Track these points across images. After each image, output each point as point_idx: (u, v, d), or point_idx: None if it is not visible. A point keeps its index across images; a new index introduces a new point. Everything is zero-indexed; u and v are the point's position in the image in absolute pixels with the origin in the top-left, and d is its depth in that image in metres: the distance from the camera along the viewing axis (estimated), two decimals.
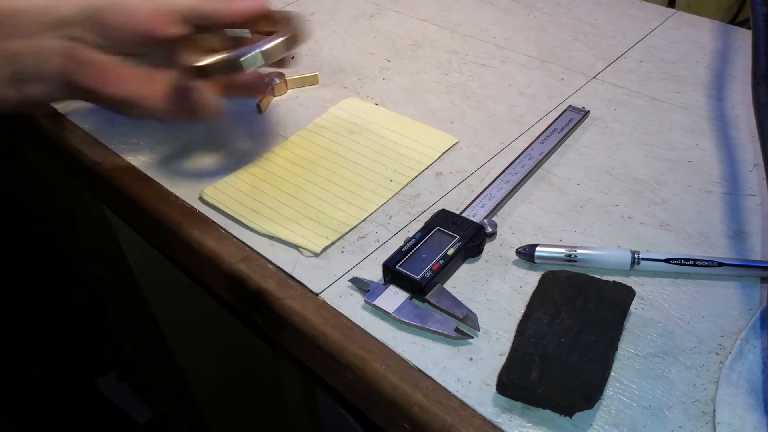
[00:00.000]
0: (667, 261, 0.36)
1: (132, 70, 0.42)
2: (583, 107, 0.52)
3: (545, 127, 0.50)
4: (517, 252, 0.39)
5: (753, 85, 0.38)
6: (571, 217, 0.43)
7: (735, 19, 0.71)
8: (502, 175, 0.45)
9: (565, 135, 0.49)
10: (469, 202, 0.44)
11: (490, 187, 0.45)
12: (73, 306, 0.87)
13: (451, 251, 0.38)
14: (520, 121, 0.52)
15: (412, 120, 0.52)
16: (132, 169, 0.49)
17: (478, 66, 0.59)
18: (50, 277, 0.92)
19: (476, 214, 0.42)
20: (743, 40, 0.59)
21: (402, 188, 0.46)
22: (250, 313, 0.42)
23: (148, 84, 0.42)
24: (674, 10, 0.66)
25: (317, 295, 0.38)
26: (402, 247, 0.39)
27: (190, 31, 0.42)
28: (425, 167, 0.47)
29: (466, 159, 0.48)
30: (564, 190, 0.45)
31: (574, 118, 0.51)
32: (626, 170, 0.46)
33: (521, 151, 0.48)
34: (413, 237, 0.39)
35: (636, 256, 0.37)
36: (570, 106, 0.52)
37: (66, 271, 0.83)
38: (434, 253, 0.38)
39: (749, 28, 0.60)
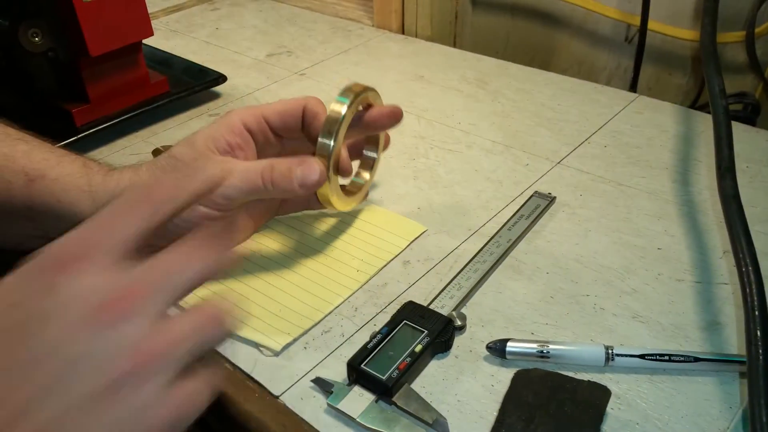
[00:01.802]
0: (641, 357, 0.35)
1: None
2: (549, 193, 0.52)
3: (512, 213, 0.50)
4: (488, 347, 0.37)
5: (718, 177, 0.38)
6: (541, 308, 0.41)
7: (695, 103, 0.73)
8: (470, 264, 0.45)
9: (533, 221, 0.49)
10: (437, 292, 0.42)
11: (458, 277, 0.43)
12: None
13: (418, 348, 0.36)
14: (487, 207, 0.51)
15: (379, 207, 0.51)
16: None
17: (444, 151, 0.60)
18: None
19: (444, 306, 0.41)
20: (704, 124, 0.61)
21: (369, 279, 0.44)
22: (205, 417, 0.39)
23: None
24: (636, 95, 0.67)
25: (277, 397, 0.36)
26: (368, 343, 0.37)
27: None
28: (393, 257, 0.46)
29: (434, 246, 0.47)
30: (533, 279, 0.44)
31: (540, 204, 0.51)
32: (595, 258, 0.46)
33: (489, 238, 0.47)
34: (379, 332, 0.38)
35: (610, 352, 0.35)
36: (536, 191, 0.52)
37: None
38: (401, 350, 0.36)
39: (709, 113, 0.62)
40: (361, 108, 0.44)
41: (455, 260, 0.46)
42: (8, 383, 0.23)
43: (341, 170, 0.43)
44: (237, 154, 0.42)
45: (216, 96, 0.71)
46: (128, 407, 0.24)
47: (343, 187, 0.46)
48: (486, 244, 0.46)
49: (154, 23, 0.63)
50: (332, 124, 0.41)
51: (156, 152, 0.56)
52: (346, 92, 0.42)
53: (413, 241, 0.48)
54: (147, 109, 0.63)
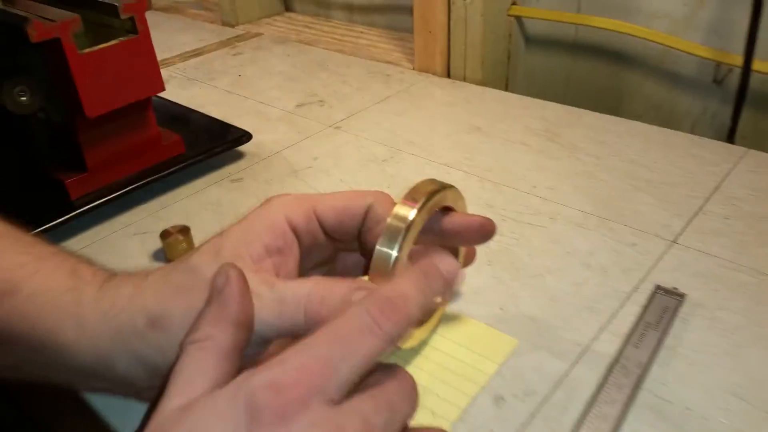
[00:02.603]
0: None
1: None
2: (675, 288, 0.39)
3: (631, 317, 0.37)
4: None
5: None
6: None
7: None
8: (594, 407, 0.31)
9: (663, 332, 0.36)
10: None
11: (582, 429, 0.30)
12: None
13: None
14: (595, 308, 0.38)
15: (449, 312, 0.39)
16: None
17: (521, 225, 0.47)
18: None
19: None
20: None
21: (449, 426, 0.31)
22: None
23: None
24: (745, 149, 0.54)
25: None
26: None
27: None
28: (480, 389, 0.33)
29: (533, 371, 0.34)
30: (685, 429, 0.31)
31: (668, 305, 0.38)
32: (761, 390, 0.32)
33: (610, 360, 0.34)
34: None
35: None
36: (658, 286, 0.39)
37: None
38: None
39: None
40: (437, 210, 0.32)
41: (568, 395, 0.33)
42: None
43: None
44: (275, 260, 0.29)
45: (239, 156, 0.59)
46: None
47: None
48: (609, 371, 0.33)
49: (169, 70, 0.53)
50: (395, 233, 0.28)
51: (165, 235, 0.44)
52: (415, 192, 0.30)
53: (503, 362, 0.35)
54: (157, 177, 0.51)
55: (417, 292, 0.24)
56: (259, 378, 0.21)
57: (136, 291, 0.28)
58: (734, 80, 0.63)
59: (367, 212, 0.30)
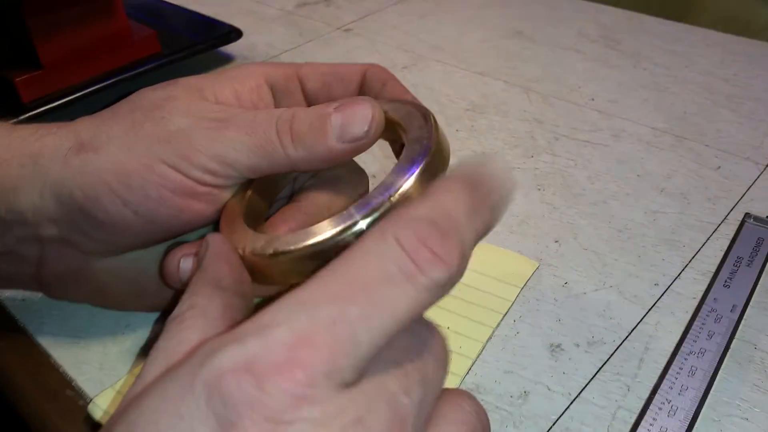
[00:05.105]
0: None
1: None
2: None
3: (719, 252, 0.32)
4: None
5: None
6: None
7: None
8: (676, 358, 0.27)
9: (761, 270, 0.31)
10: (630, 419, 0.25)
11: (662, 386, 0.26)
12: None
13: None
14: (675, 242, 0.34)
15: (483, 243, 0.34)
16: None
17: (578, 143, 0.42)
18: None
19: None
20: None
21: (463, 380, 0.27)
22: None
23: None
24: None
25: None
26: None
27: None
28: (501, 318, 0.29)
29: (598, 316, 0.30)
30: None
31: (763, 236, 0.33)
32: None
33: (697, 303, 0.30)
34: None
35: None
36: (748, 214, 0.34)
37: None
38: None
39: None
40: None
41: (644, 345, 0.28)
42: None
43: None
44: None
45: (227, 60, 0.54)
46: None
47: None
48: (695, 315, 0.29)
49: None
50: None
51: None
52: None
53: (524, 286, 0.30)
54: (126, 77, 0.46)
55: (470, 211, 0.17)
56: (227, 355, 0.14)
57: (69, 123, 0.26)
58: None
59: (364, 79, 0.27)
